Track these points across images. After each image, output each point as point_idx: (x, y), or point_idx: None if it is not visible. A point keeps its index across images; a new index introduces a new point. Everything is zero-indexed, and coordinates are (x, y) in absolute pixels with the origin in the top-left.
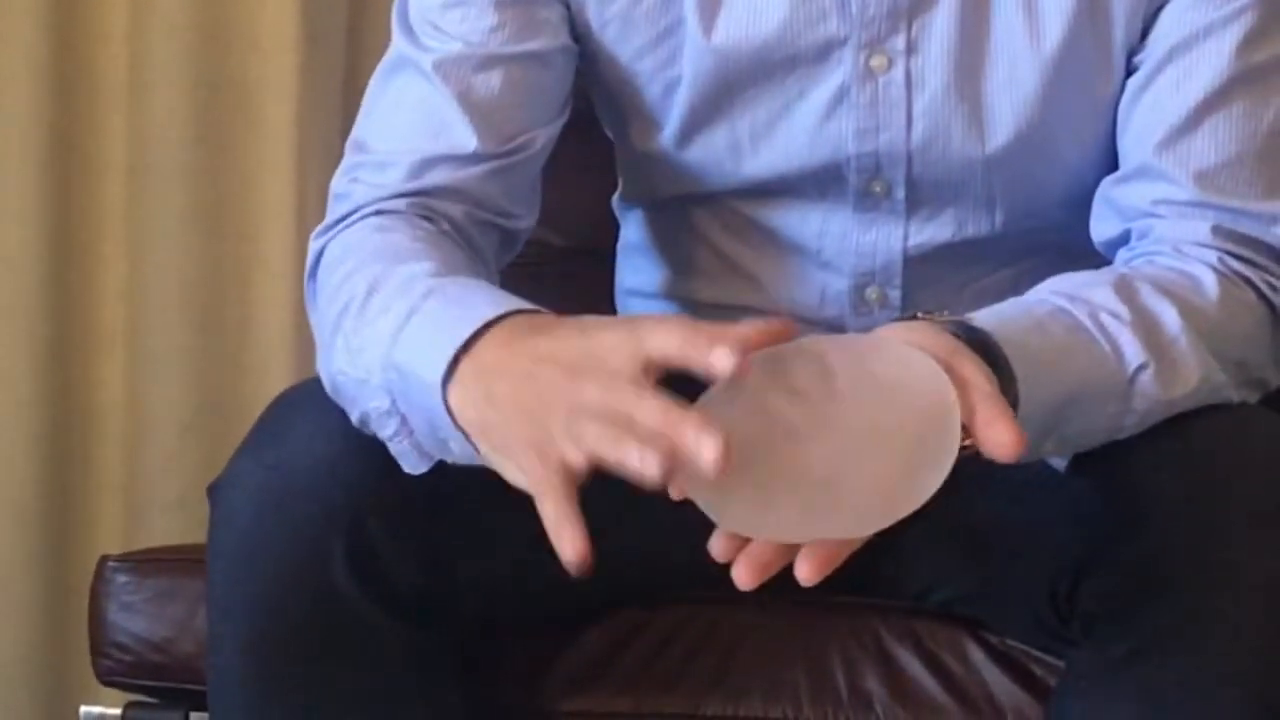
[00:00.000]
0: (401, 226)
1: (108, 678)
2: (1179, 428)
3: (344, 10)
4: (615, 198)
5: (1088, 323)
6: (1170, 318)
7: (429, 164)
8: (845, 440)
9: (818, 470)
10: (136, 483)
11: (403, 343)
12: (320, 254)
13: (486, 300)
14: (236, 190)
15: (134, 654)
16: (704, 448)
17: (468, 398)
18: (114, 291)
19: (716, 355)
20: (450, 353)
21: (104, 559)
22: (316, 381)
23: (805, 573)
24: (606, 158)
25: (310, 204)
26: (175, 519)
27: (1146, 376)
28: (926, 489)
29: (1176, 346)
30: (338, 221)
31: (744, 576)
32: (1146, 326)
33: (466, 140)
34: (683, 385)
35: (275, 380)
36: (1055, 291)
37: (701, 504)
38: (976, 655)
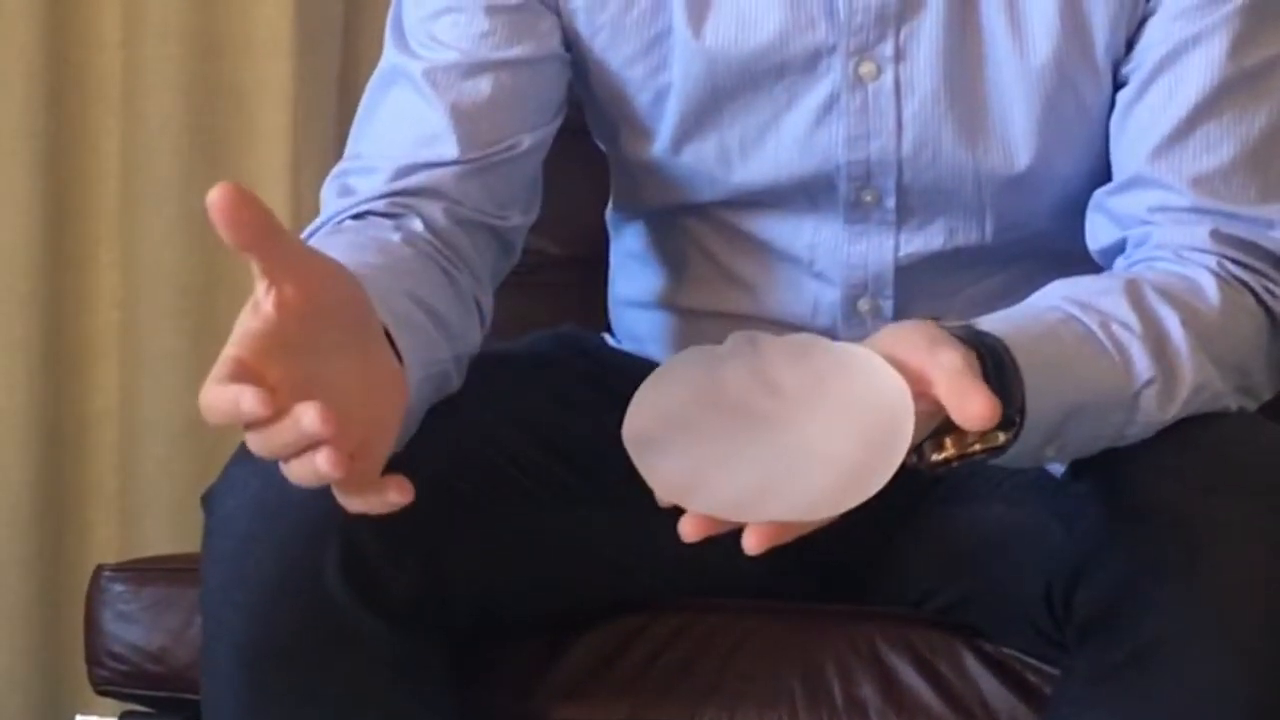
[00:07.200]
0: (369, 227)
1: (103, 687)
2: (1177, 435)
3: (339, 15)
4: (609, 208)
5: (1099, 333)
6: (1173, 325)
7: (411, 170)
8: (796, 437)
9: (765, 458)
10: (131, 490)
11: None
12: None
13: None
14: None
15: (129, 663)
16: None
17: None
18: (108, 298)
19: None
20: None
21: (100, 568)
22: None
23: (750, 543)
24: (603, 167)
25: (305, 210)
26: (169, 527)
27: (1151, 392)
28: (869, 488)
29: (1178, 356)
30: (323, 225)
31: (689, 530)
32: (1155, 337)
33: (449, 150)
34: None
35: None
36: (1066, 298)
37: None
38: (972, 663)
